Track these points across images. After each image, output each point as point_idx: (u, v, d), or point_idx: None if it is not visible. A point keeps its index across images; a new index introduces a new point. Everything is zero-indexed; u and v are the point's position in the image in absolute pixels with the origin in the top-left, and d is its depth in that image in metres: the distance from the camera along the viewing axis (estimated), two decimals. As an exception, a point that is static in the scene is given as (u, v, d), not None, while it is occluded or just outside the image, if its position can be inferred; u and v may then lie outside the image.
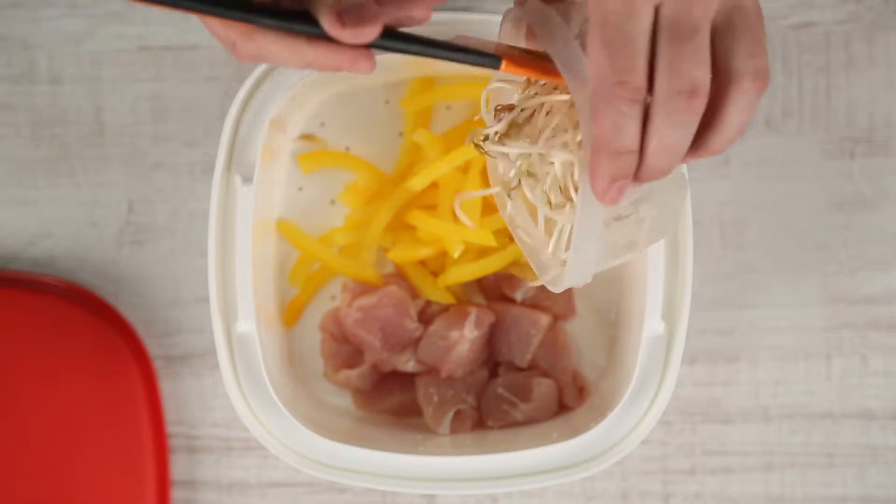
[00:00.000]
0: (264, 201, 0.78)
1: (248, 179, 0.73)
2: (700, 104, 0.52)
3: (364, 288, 0.81)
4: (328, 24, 0.54)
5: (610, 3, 0.52)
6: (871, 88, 0.84)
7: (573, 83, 0.55)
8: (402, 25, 0.58)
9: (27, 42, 0.85)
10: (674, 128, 0.52)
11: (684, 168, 0.61)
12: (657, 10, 0.52)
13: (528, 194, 0.62)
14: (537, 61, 0.60)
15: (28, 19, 0.84)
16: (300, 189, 0.83)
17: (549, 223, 0.62)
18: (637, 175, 0.54)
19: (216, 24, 0.56)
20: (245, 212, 0.73)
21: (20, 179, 0.85)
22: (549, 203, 0.61)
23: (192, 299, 0.84)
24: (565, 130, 0.59)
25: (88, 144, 0.84)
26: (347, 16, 0.54)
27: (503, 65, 0.59)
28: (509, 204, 0.64)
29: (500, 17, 0.73)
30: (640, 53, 0.52)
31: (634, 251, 0.60)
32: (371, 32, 0.54)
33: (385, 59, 0.74)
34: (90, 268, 0.84)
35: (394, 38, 0.56)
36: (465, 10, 0.82)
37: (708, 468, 0.84)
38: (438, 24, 0.74)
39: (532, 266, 0.64)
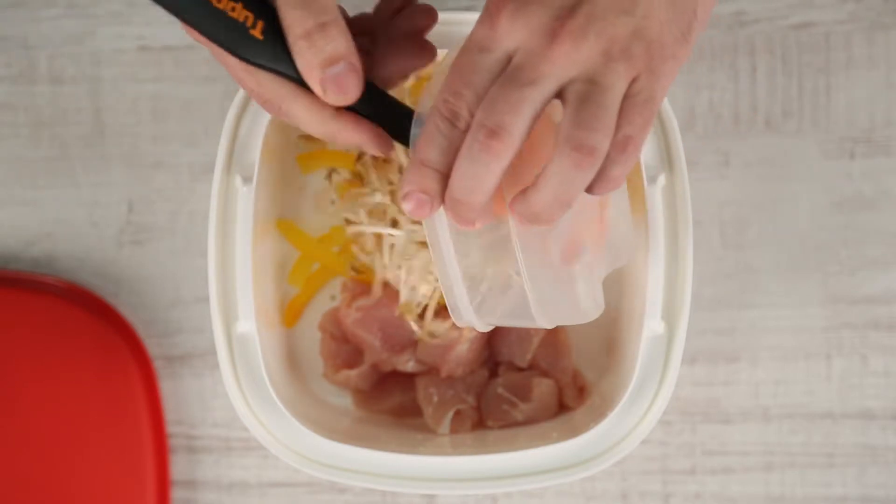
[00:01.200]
0: (264, 201, 0.78)
1: (248, 179, 0.73)
2: (499, 147, 0.52)
3: (364, 288, 0.81)
4: (314, 87, 0.57)
5: (474, 33, 0.54)
6: (871, 88, 0.84)
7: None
8: (412, 73, 0.62)
9: (27, 42, 0.84)
10: (470, 160, 0.53)
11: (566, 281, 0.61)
12: (512, 57, 0.53)
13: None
14: None
15: (28, 19, 0.84)
16: (300, 189, 0.83)
17: None
18: (445, 201, 0.55)
19: (248, 78, 0.58)
20: (245, 212, 0.73)
21: (20, 179, 0.85)
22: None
23: (192, 299, 0.84)
24: None
25: (88, 144, 0.84)
26: (328, 83, 0.56)
27: None
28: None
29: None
30: (473, 83, 0.53)
31: (534, 323, 0.60)
32: (348, 96, 0.57)
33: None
34: (90, 268, 0.84)
35: (379, 108, 0.59)
36: (466, 9, 0.82)
37: (708, 468, 0.84)
38: (440, 24, 0.73)
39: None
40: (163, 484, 0.81)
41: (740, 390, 0.84)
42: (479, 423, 0.81)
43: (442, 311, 0.80)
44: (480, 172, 0.53)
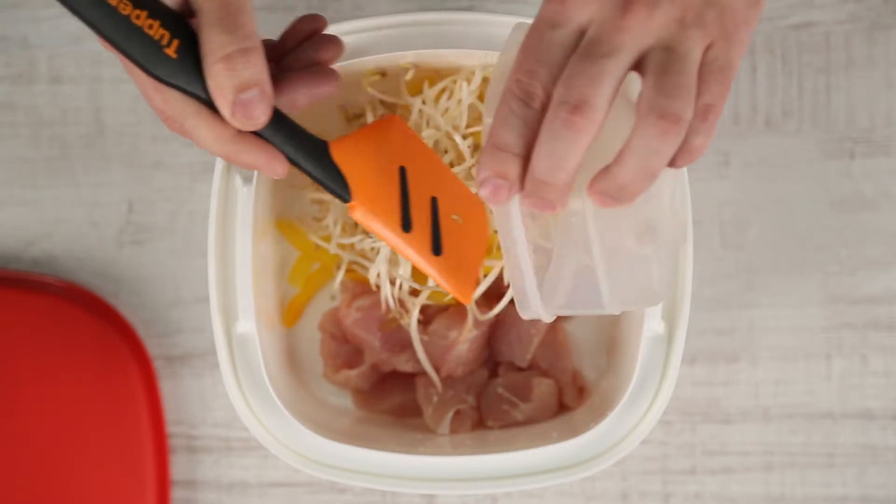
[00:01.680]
0: (264, 201, 0.78)
1: (248, 179, 0.73)
2: (583, 122, 0.51)
3: (363, 288, 0.81)
4: (223, 110, 0.57)
5: (543, 10, 0.53)
6: (871, 88, 0.84)
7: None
8: (315, 100, 0.62)
9: (27, 42, 0.84)
10: (553, 139, 0.52)
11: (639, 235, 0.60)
12: (584, 31, 0.53)
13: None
14: (392, 211, 0.63)
15: (28, 19, 0.84)
16: (300, 189, 0.83)
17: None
18: (525, 185, 0.54)
19: (154, 94, 0.58)
20: (245, 212, 0.73)
21: (20, 179, 0.85)
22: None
23: (192, 299, 0.84)
24: None
25: (88, 144, 0.84)
26: (238, 107, 0.56)
27: (351, 202, 0.62)
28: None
29: (500, 18, 0.73)
30: (546, 61, 0.53)
31: (602, 310, 0.59)
32: (257, 122, 0.57)
33: (386, 56, 0.74)
34: (90, 268, 0.84)
35: (280, 133, 0.60)
36: (467, 9, 0.82)
37: (708, 468, 0.84)
38: (440, 24, 0.74)
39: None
40: (163, 484, 0.81)
41: (740, 390, 0.84)
42: (479, 423, 0.81)
43: (439, 311, 0.81)
44: (564, 150, 0.52)
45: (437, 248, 0.65)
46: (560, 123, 0.52)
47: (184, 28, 0.57)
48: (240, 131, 0.58)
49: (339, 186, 0.62)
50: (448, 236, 0.66)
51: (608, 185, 0.53)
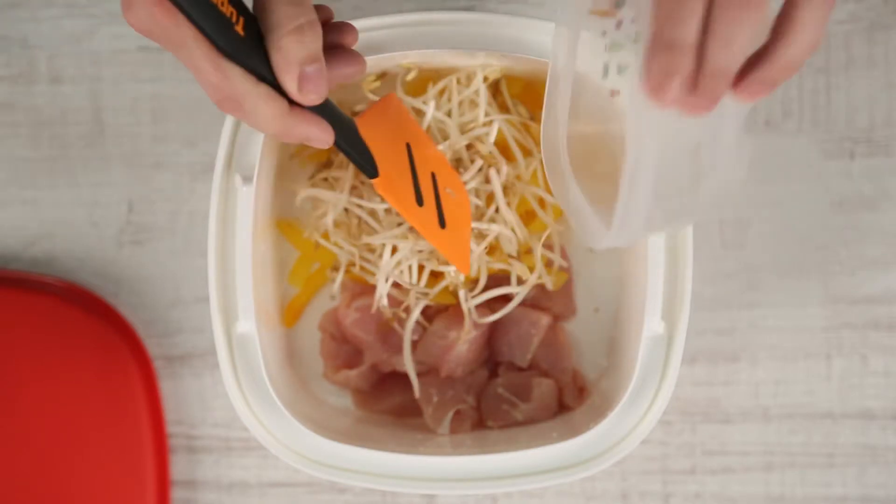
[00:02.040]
0: (264, 201, 0.78)
1: (248, 179, 0.73)
2: (758, 0, 0.50)
3: (363, 288, 0.81)
4: (289, 84, 0.58)
5: None
6: (871, 88, 0.84)
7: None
8: (347, 80, 0.63)
9: (27, 42, 0.84)
10: (731, 20, 0.50)
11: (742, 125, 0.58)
12: None
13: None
14: (408, 186, 0.67)
15: (28, 19, 0.84)
16: (300, 189, 0.83)
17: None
18: (697, 82, 0.52)
19: (215, 72, 0.58)
20: (245, 212, 0.73)
21: (20, 179, 0.85)
22: None
23: (192, 299, 0.84)
24: None
25: (88, 144, 0.84)
26: (304, 80, 0.58)
27: (378, 179, 0.66)
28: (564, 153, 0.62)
29: (500, 18, 0.73)
30: None
31: (689, 216, 0.58)
32: (321, 96, 0.59)
33: (386, 56, 0.74)
34: (90, 268, 0.84)
35: (327, 108, 0.62)
36: (467, 9, 0.82)
37: (708, 468, 0.84)
38: (440, 24, 0.74)
39: (575, 223, 0.63)
40: (163, 484, 0.81)
41: (740, 390, 0.84)
42: (479, 423, 0.81)
43: (439, 311, 0.80)
44: (742, 34, 0.51)
45: (442, 221, 0.67)
46: (738, 5, 0.50)
47: (244, 7, 0.58)
48: (293, 106, 0.59)
49: (369, 161, 0.64)
50: (446, 209, 0.68)
51: (771, 68, 0.53)
